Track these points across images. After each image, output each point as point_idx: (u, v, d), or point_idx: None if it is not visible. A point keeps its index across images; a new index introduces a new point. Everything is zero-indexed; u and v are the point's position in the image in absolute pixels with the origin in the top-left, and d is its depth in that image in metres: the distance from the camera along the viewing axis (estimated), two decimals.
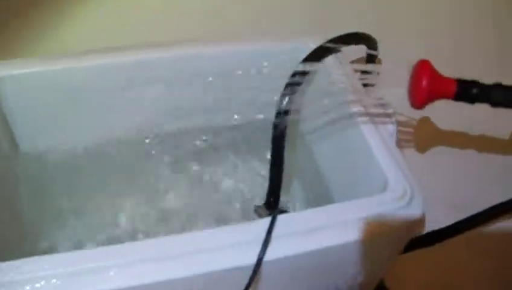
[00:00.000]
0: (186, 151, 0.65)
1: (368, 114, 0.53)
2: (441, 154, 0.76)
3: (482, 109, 0.48)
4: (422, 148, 0.75)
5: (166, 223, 0.61)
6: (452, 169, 0.75)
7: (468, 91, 0.46)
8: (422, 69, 0.46)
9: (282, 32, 0.64)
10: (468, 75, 0.48)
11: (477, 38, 0.85)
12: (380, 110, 0.54)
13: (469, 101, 0.47)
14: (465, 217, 0.65)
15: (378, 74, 0.53)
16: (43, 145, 0.61)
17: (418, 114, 0.71)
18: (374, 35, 0.60)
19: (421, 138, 0.73)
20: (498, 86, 0.46)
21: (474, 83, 0.46)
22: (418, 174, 0.50)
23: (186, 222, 0.62)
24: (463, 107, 0.49)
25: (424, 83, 0.46)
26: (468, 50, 0.84)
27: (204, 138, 0.65)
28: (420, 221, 0.47)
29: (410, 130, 0.70)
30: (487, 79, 0.47)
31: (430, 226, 0.64)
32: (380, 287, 0.64)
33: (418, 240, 0.65)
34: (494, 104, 0.46)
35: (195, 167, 0.66)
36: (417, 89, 0.46)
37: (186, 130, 0.64)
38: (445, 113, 0.67)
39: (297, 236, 0.43)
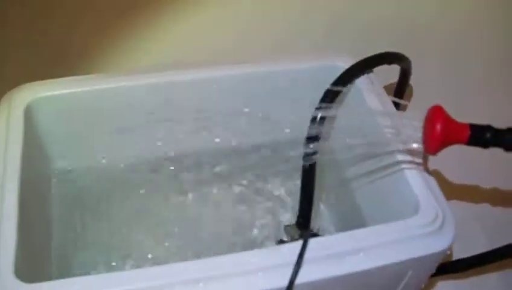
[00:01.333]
0: (210, 173, 0.66)
1: (399, 137, 0.53)
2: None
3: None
4: None
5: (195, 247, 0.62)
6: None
7: (481, 136, 0.46)
8: (436, 115, 0.46)
9: (310, 52, 0.64)
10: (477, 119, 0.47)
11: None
12: (411, 133, 0.54)
13: (482, 145, 0.46)
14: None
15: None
16: (76, 165, 0.63)
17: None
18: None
19: None
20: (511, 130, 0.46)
21: (487, 128, 0.46)
22: None
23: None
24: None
25: (438, 128, 0.45)
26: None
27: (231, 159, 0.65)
28: (451, 245, 0.47)
29: None
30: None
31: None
32: None
33: (449, 265, 0.64)
34: (508, 148, 0.46)
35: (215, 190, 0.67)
36: (431, 135, 0.46)
37: (209, 152, 0.65)
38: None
39: (329, 260, 0.44)
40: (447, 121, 0.46)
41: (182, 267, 0.42)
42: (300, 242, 0.44)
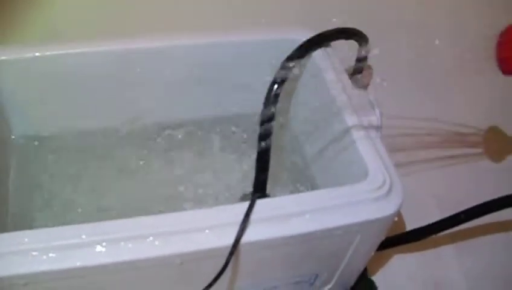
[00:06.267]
0: (172, 142, 0.67)
1: (353, 108, 0.54)
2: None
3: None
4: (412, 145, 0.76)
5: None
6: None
7: None
8: None
9: (271, 25, 0.64)
10: None
11: None
12: (366, 105, 0.56)
13: None
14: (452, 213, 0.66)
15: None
16: (36, 131, 0.63)
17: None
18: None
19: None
20: None
21: None
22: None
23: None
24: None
25: None
26: None
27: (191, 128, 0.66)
28: (398, 210, 0.48)
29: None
30: None
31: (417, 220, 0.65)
32: (364, 279, 0.66)
33: (403, 236, 0.66)
34: None
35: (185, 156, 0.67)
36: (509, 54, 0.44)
37: (173, 122, 0.66)
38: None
39: (275, 220, 0.45)
40: None
41: (132, 223, 0.43)
42: (248, 202, 0.45)
